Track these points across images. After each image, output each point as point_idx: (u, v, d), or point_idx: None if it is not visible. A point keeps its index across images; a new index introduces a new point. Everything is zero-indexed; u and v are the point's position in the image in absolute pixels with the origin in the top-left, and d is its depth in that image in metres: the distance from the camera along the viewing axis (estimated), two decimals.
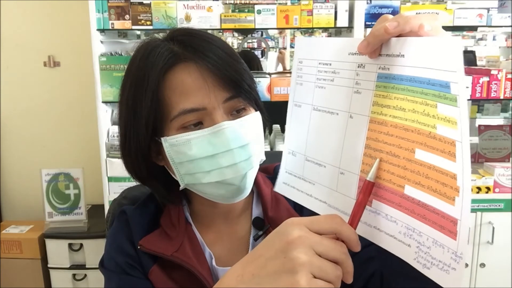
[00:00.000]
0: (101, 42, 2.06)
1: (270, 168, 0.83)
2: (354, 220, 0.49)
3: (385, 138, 0.50)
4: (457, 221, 0.43)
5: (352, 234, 0.47)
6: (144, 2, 1.98)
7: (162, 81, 0.65)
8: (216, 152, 0.65)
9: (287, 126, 0.63)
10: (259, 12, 2.00)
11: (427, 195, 0.46)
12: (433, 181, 0.45)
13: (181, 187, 0.71)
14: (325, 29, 2.64)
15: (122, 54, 2.18)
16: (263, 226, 0.75)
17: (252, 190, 0.78)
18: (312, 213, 0.60)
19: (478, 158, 2.24)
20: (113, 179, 2.09)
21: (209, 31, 0.71)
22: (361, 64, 0.52)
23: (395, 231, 0.49)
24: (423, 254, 0.46)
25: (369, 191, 0.50)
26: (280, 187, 0.65)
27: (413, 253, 0.47)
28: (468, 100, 2.05)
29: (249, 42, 4.40)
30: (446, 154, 0.44)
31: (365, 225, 0.52)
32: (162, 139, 0.67)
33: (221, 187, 0.68)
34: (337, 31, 2.23)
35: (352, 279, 0.46)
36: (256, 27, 2.02)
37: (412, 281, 0.49)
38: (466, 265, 2.07)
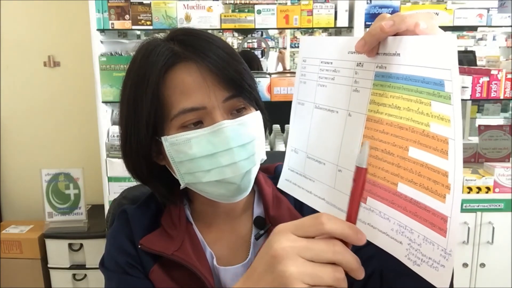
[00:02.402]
0: (101, 42, 2.06)
1: (271, 168, 0.83)
2: (351, 213, 0.47)
3: (380, 136, 0.50)
4: (447, 218, 0.43)
5: (344, 229, 0.45)
6: (144, 2, 1.98)
7: (162, 80, 0.66)
8: (216, 151, 0.65)
9: (290, 124, 0.64)
10: (259, 12, 2.00)
11: (419, 192, 0.46)
12: (425, 178, 0.45)
13: (182, 186, 0.71)
14: (325, 29, 2.64)
15: (122, 54, 2.18)
16: (265, 225, 0.75)
17: (253, 190, 0.78)
18: (313, 211, 0.60)
19: (478, 158, 2.24)
20: (113, 179, 2.09)
21: (209, 31, 0.72)
22: (360, 63, 0.52)
23: (388, 228, 0.49)
24: (414, 251, 0.46)
25: (361, 178, 0.47)
26: (283, 184, 0.66)
27: (404, 250, 0.47)
28: (468, 100, 2.05)
29: (249, 42, 4.40)
30: (438, 152, 0.44)
31: (359, 222, 0.52)
32: (163, 138, 0.67)
33: (221, 186, 0.68)
34: (337, 31, 2.23)
35: (363, 273, 0.45)
36: (256, 27, 2.02)
37: (411, 279, 0.49)
38: (466, 265, 2.07)
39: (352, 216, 0.47)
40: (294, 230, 0.45)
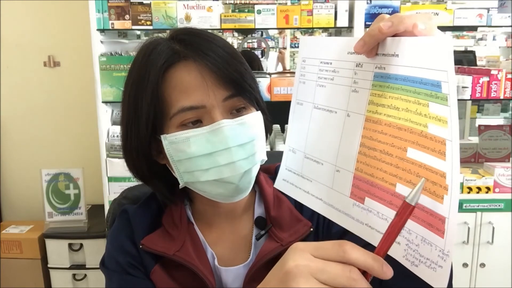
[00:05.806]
0: (101, 42, 2.06)
1: (271, 168, 0.83)
2: (383, 246, 0.44)
3: (379, 137, 0.50)
4: (445, 219, 0.43)
5: (368, 260, 0.42)
6: (144, 2, 1.98)
7: (162, 79, 0.66)
8: (214, 150, 0.65)
9: (289, 124, 0.64)
10: (259, 12, 2.00)
11: None
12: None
13: (181, 186, 0.71)
14: (325, 29, 2.64)
15: (122, 54, 2.18)
16: (265, 225, 0.75)
17: (254, 190, 0.78)
18: (312, 212, 0.60)
19: (478, 158, 2.24)
20: (113, 179, 2.09)
21: (209, 31, 0.72)
22: (359, 64, 0.52)
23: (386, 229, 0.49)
24: (411, 252, 0.46)
25: (406, 215, 0.43)
26: (280, 184, 0.66)
27: (402, 250, 0.47)
28: (468, 100, 2.05)
29: (249, 42, 4.40)
30: (436, 153, 0.44)
31: (358, 223, 0.52)
32: (162, 136, 0.67)
33: (219, 186, 0.68)
34: (337, 31, 2.23)
35: None
36: (256, 27, 2.02)
37: (411, 280, 0.49)
38: (466, 265, 2.07)
39: (383, 249, 0.44)
40: (312, 250, 0.43)
